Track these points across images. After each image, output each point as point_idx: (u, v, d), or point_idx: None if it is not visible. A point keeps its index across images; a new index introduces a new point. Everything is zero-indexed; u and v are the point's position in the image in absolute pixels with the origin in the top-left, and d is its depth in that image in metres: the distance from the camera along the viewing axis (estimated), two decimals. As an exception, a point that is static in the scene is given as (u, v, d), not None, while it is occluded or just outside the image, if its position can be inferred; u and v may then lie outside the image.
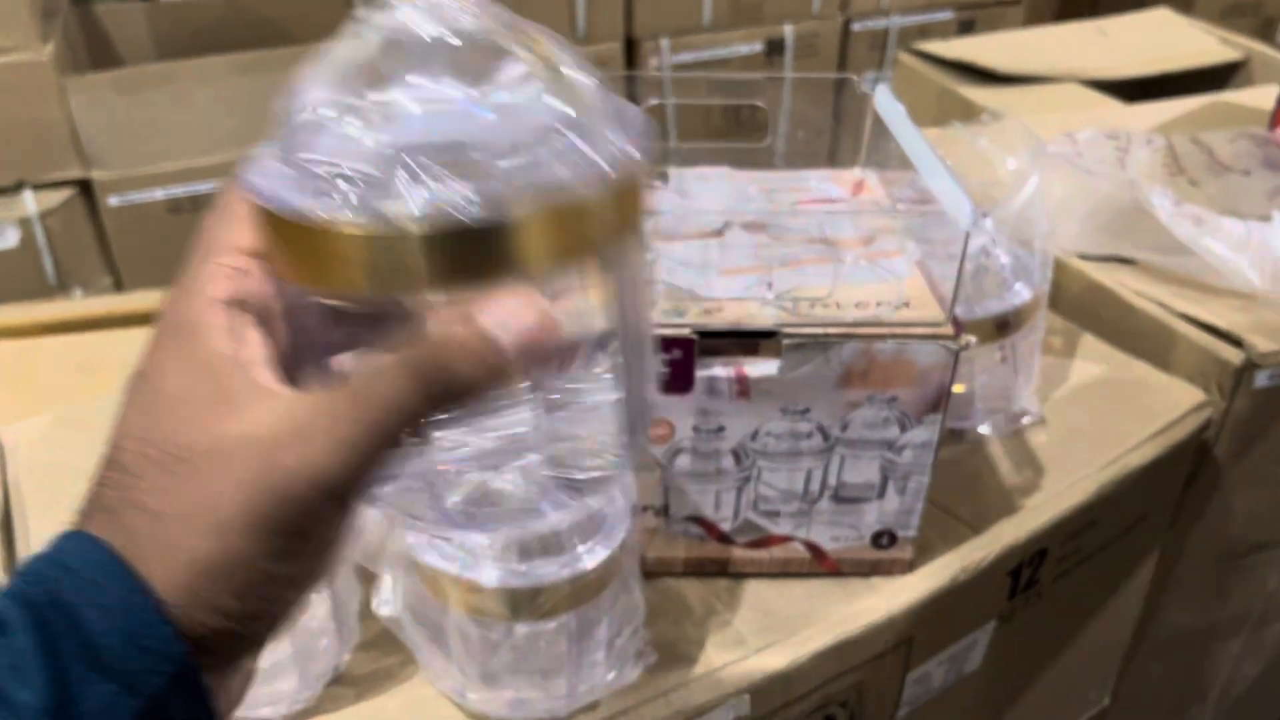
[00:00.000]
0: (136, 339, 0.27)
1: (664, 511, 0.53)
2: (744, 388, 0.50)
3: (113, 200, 1.61)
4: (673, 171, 0.63)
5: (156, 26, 1.89)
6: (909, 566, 0.55)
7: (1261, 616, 0.86)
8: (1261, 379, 0.67)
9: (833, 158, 0.67)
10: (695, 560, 0.55)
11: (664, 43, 1.78)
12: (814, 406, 0.50)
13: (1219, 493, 0.72)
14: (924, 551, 0.56)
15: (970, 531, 0.58)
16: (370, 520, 0.45)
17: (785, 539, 0.54)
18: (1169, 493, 0.67)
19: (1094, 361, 0.70)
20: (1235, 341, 0.67)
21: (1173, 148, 0.87)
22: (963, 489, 0.61)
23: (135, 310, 1.09)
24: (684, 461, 0.52)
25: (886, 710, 0.59)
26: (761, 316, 0.50)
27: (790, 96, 0.69)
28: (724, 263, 0.54)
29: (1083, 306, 0.75)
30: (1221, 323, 0.68)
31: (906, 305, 0.51)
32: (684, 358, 0.49)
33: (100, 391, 0.51)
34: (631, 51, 1.79)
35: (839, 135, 0.66)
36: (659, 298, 0.51)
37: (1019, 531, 0.58)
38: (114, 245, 1.65)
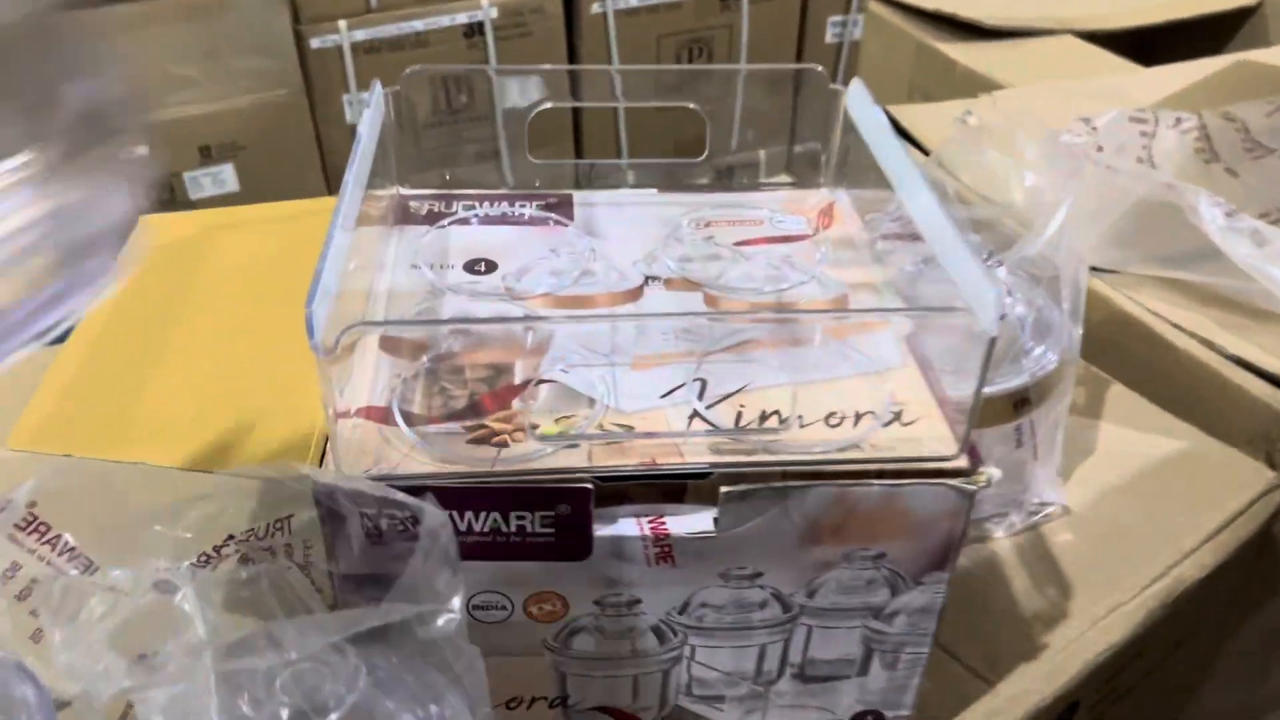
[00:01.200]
0: None
1: (561, 702, 0.38)
2: (665, 551, 0.34)
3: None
4: (578, 197, 0.47)
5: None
6: (901, 750, 0.41)
7: (1305, 686, 0.73)
8: (1341, 444, 0.52)
9: (790, 166, 0.51)
10: (609, 757, 0.40)
11: (607, -12, 1.59)
12: (769, 570, 0.35)
13: (1277, 578, 0.58)
14: (920, 717, 0.41)
15: (980, 683, 0.44)
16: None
17: (732, 727, 0.39)
18: (1228, 599, 0.53)
19: (1129, 425, 0.55)
20: (1309, 397, 0.52)
21: (1205, 127, 0.71)
22: (968, 619, 0.46)
23: None
24: (585, 642, 0.36)
25: None
26: (689, 445, 0.34)
27: (742, 81, 0.53)
28: (638, 347, 0.38)
29: (1107, 341, 0.60)
30: (1288, 370, 0.54)
31: (898, 417, 0.35)
32: (575, 513, 0.33)
33: None
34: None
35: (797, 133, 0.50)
36: (542, 408, 0.35)
37: (1045, 687, 0.43)
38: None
